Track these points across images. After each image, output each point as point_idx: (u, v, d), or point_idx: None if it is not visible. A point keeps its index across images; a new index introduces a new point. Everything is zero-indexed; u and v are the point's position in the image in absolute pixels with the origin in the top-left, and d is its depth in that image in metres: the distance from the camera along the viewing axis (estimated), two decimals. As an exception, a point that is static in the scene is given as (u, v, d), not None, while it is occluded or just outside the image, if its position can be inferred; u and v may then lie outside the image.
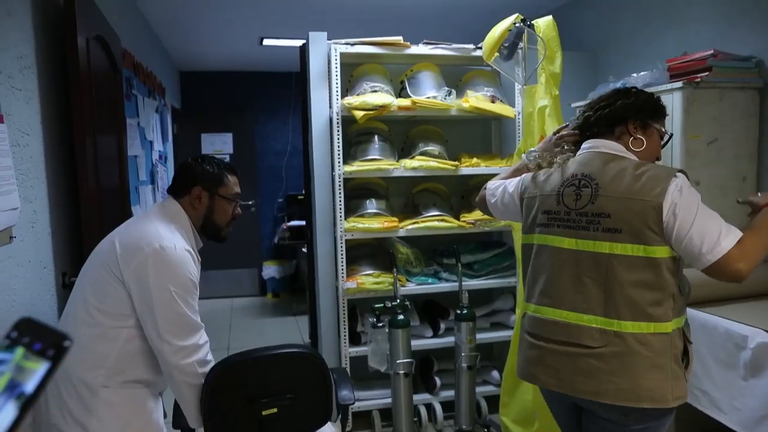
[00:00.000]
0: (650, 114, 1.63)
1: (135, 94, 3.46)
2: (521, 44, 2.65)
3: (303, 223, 5.04)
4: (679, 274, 1.51)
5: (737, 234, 1.40)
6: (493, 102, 3.12)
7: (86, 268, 1.63)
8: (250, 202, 6.44)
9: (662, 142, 1.68)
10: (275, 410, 1.69)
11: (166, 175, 4.75)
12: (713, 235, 1.39)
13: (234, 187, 1.78)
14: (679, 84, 2.47)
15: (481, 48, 2.81)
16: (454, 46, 3.12)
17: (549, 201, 1.62)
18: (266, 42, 5.00)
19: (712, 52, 2.52)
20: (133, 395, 1.59)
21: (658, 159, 1.69)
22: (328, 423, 1.88)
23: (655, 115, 1.65)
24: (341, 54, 2.98)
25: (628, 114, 1.61)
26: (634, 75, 2.78)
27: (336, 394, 1.96)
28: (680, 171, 1.48)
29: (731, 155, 2.58)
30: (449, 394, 3.19)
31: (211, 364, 1.61)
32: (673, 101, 2.49)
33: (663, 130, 1.67)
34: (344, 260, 3.02)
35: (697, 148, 2.51)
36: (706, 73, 2.48)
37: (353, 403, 1.98)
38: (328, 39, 3.05)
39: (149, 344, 1.56)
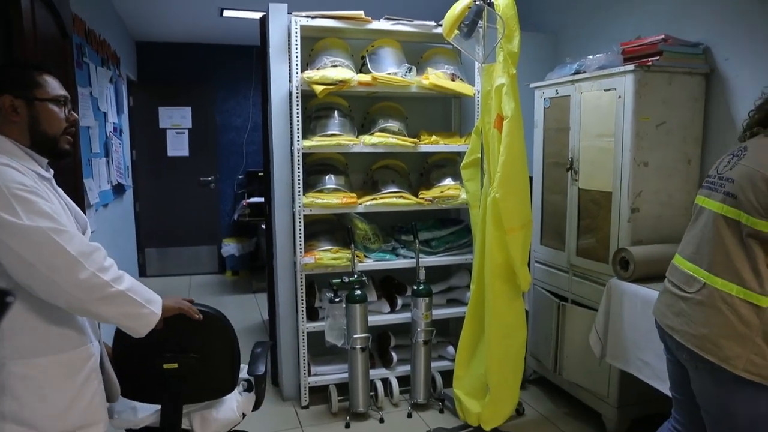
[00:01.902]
0: None
1: (87, 62, 3.34)
2: (481, 22, 2.66)
3: (263, 199, 5.00)
4: None
5: None
6: (453, 80, 3.14)
7: None
8: (210, 178, 6.35)
9: None
10: (176, 365, 1.71)
11: (121, 148, 4.62)
12: None
13: (56, 88, 1.51)
14: (631, 67, 2.53)
15: (441, 25, 2.82)
16: (416, 22, 3.11)
17: (713, 167, 1.74)
18: (226, 13, 4.88)
19: (663, 37, 2.59)
20: (48, 364, 1.44)
21: None
22: (235, 393, 1.93)
23: None
24: (302, 27, 2.94)
25: None
26: (590, 57, 2.84)
27: (252, 365, 1.98)
28: None
29: (678, 138, 2.67)
30: (405, 368, 3.24)
31: (115, 268, 1.46)
32: (625, 83, 2.56)
33: None
34: (302, 236, 3.02)
35: (647, 130, 2.59)
36: (657, 58, 2.55)
37: (263, 375, 1.98)
38: (289, 11, 3.00)
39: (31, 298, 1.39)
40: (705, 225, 1.65)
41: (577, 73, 2.86)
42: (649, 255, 2.48)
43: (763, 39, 2.46)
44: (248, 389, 1.99)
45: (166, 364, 1.71)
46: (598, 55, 2.81)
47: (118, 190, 4.54)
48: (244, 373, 1.98)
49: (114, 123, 4.31)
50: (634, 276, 2.46)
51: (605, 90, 2.68)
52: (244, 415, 1.95)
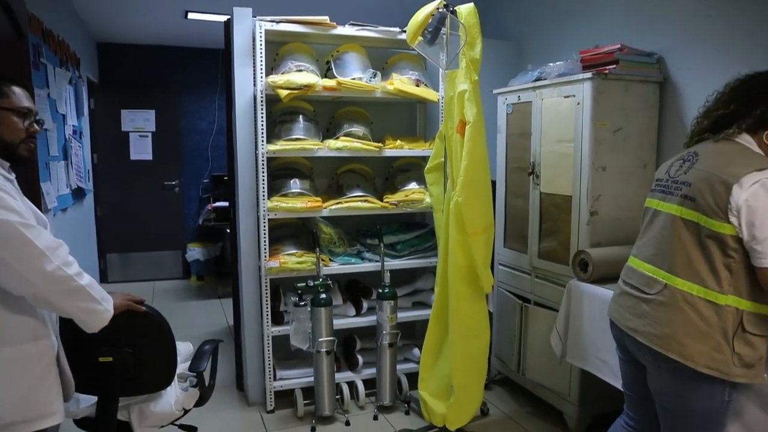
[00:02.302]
0: None
1: (44, 63, 3.26)
2: (444, 29, 2.71)
3: (228, 204, 4.95)
4: (747, 256, 1.55)
5: None
6: (417, 85, 3.18)
7: None
8: (174, 182, 6.25)
9: None
10: (111, 359, 1.81)
11: (81, 151, 4.52)
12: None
13: (21, 100, 1.59)
14: (589, 75, 2.61)
15: (405, 31, 2.85)
16: (380, 28, 3.14)
17: (662, 171, 1.81)
18: (191, 16, 4.83)
19: (619, 46, 2.68)
20: (9, 355, 1.50)
21: None
22: (176, 388, 2.02)
23: None
24: (266, 31, 2.94)
25: None
26: (551, 64, 2.92)
27: (195, 362, 2.06)
28: None
29: (634, 143, 2.76)
30: (371, 371, 3.25)
31: (77, 265, 1.55)
32: (584, 91, 2.64)
33: None
34: (267, 240, 3.00)
35: (605, 136, 2.67)
36: (614, 66, 2.64)
37: (203, 372, 2.04)
38: (254, 15, 2.99)
39: None
40: (663, 228, 1.70)
41: (538, 80, 2.94)
42: (608, 256, 2.55)
43: (711, 50, 2.58)
44: (194, 385, 2.04)
45: (102, 357, 1.80)
46: (558, 63, 2.88)
47: (78, 194, 4.44)
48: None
49: (74, 126, 4.22)
50: (593, 277, 2.53)
51: (565, 97, 2.75)
52: (185, 410, 2.02)
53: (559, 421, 2.90)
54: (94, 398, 1.91)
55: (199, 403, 2.07)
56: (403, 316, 3.27)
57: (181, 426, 2.11)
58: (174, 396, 2.00)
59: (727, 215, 1.52)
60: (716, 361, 1.56)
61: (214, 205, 6.11)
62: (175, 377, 1.97)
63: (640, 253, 1.79)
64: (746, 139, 1.63)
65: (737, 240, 1.53)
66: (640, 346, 1.70)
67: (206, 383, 2.05)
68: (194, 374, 2.03)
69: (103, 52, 6.00)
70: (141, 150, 6.10)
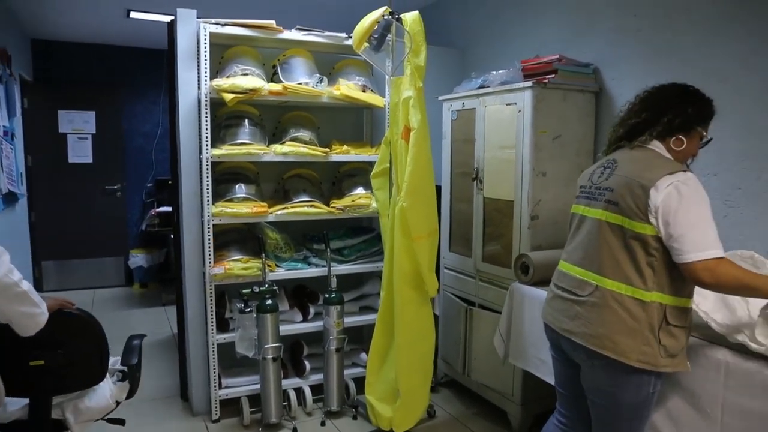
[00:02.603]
0: (703, 119, 1.78)
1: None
2: (389, 36, 2.74)
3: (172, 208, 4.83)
4: (666, 254, 1.64)
5: (714, 253, 1.57)
6: (364, 91, 3.20)
7: None
8: (116, 186, 6.04)
9: (700, 144, 1.82)
10: (42, 362, 1.81)
11: (13, 153, 4.32)
12: (690, 240, 1.58)
13: None
14: (530, 83, 2.69)
15: (352, 37, 2.87)
16: (327, 33, 3.15)
17: (585, 178, 1.91)
18: (133, 15, 4.70)
19: (558, 56, 2.79)
20: None
21: (695, 156, 1.84)
22: (109, 382, 2.07)
23: (706, 119, 1.79)
24: (211, 34, 2.90)
25: (696, 123, 1.76)
26: (494, 72, 3.00)
27: (126, 356, 2.14)
28: (687, 171, 1.65)
29: (572, 150, 2.87)
30: (319, 377, 3.24)
31: (17, 270, 1.62)
32: (524, 99, 2.72)
33: (705, 133, 1.80)
34: (212, 246, 2.95)
35: (545, 143, 2.76)
36: (553, 75, 2.74)
37: (135, 365, 2.13)
38: (198, 17, 2.94)
39: None
40: (590, 232, 1.79)
41: (481, 87, 3.01)
42: (548, 259, 2.63)
43: (641, 62, 2.72)
44: (122, 379, 2.10)
45: (33, 361, 1.80)
46: (500, 71, 2.96)
47: (10, 198, 4.23)
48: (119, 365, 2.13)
49: (4, 126, 4.02)
50: (534, 280, 2.60)
51: (507, 104, 2.83)
52: (118, 403, 2.09)
53: (503, 421, 2.97)
54: (22, 401, 1.89)
55: (129, 395, 2.14)
56: (351, 320, 3.28)
57: (110, 420, 2.14)
58: (108, 390, 2.05)
59: (647, 216, 1.63)
60: (646, 355, 1.65)
61: (158, 210, 5.94)
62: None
63: (570, 258, 1.87)
64: (657, 146, 1.77)
65: (657, 240, 1.63)
66: (576, 346, 1.77)
67: (136, 376, 2.13)
68: (124, 368, 2.10)
69: (38, 49, 5.75)
70: (80, 152, 5.86)
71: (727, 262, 1.59)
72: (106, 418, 2.12)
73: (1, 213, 3.89)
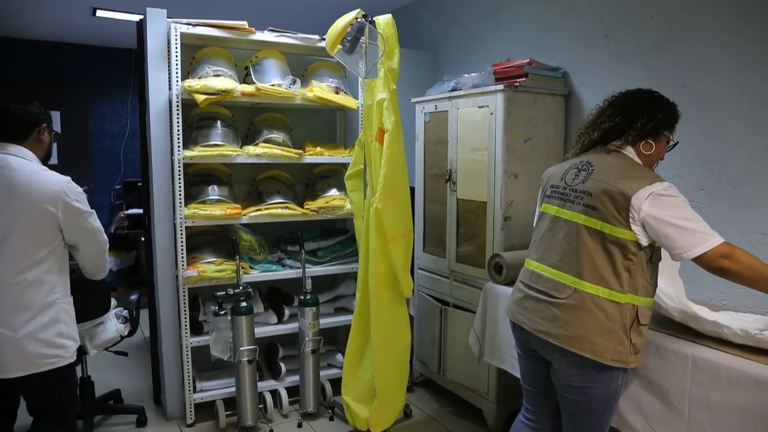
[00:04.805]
0: (670, 123, 1.85)
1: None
2: (363, 39, 2.75)
3: (142, 211, 4.75)
4: (642, 258, 1.72)
5: (706, 246, 1.63)
6: (337, 93, 3.20)
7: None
8: (83, 188, 5.89)
9: (667, 147, 1.89)
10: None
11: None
12: (693, 235, 1.65)
13: None
14: (501, 87, 2.74)
15: (325, 39, 2.87)
16: (300, 35, 3.14)
17: (556, 178, 1.93)
18: (100, 13, 4.59)
19: (528, 60, 2.84)
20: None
21: (662, 159, 1.91)
22: (116, 322, 2.81)
23: (672, 123, 1.86)
24: (182, 34, 2.87)
25: (664, 127, 1.83)
26: (466, 75, 3.04)
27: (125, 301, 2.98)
28: (663, 181, 1.71)
29: (543, 152, 2.93)
30: (295, 379, 3.24)
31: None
32: (496, 101, 2.77)
33: (672, 137, 1.87)
34: (184, 248, 2.92)
35: (516, 145, 2.81)
36: (524, 79, 2.79)
37: (134, 310, 2.95)
38: (169, 17, 2.91)
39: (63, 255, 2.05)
40: (568, 234, 1.81)
41: (453, 90, 3.05)
42: (521, 260, 2.61)
43: (608, 67, 2.79)
44: (125, 322, 2.86)
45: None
46: (473, 74, 3.00)
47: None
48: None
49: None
50: (508, 279, 2.64)
51: (479, 107, 2.87)
52: (122, 337, 2.83)
53: (478, 419, 3.01)
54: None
55: (130, 334, 2.90)
56: (326, 322, 3.29)
57: (116, 352, 3.03)
58: (115, 327, 2.79)
59: (629, 223, 1.68)
60: (620, 353, 1.72)
61: (127, 212, 5.82)
62: (113, 315, 2.83)
63: (545, 259, 1.88)
64: (630, 151, 1.83)
65: (636, 245, 1.70)
66: (550, 347, 1.81)
67: (134, 317, 2.94)
68: (126, 313, 2.90)
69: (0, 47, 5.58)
70: (45, 154, 5.71)
71: (740, 248, 1.66)
72: (113, 349, 2.89)
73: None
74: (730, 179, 2.34)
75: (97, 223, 2.12)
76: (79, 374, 2.67)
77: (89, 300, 2.41)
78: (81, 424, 2.84)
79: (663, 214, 1.65)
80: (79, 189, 2.06)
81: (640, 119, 1.79)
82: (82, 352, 2.60)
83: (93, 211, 2.09)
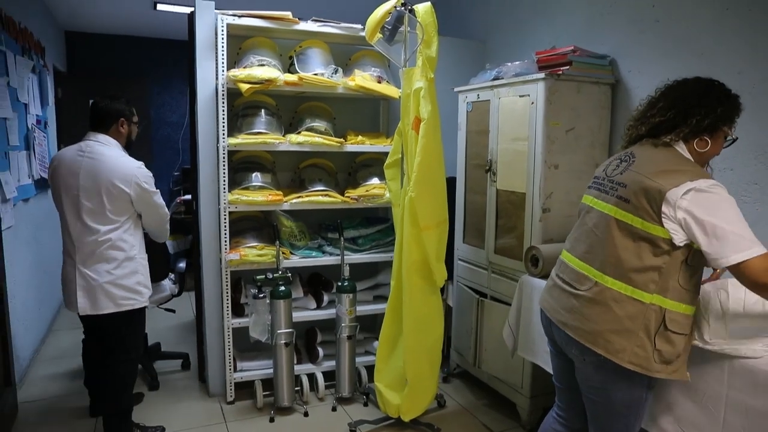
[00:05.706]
0: (730, 118, 1.68)
1: (3, 50, 3.23)
2: (402, 27, 2.74)
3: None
4: (677, 259, 1.59)
5: (743, 255, 1.47)
6: (379, 82, 3.21)
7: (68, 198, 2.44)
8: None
9: (725, 144, 1.73)
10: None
11: (46, 141, 4.47)
12: (730, 242, 1.49)
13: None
14: (542, 75, 2.67)
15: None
16: (343, 25, 3.17)
17: (600, 169, 1.86)
18: (160, 7, 4.81)
19: (572, 48, 2.75)
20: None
21: (717, 155, 1.74)
22: (169, 283, 3.43)
23: (733, 117, 1.68)
24: (228, 25, 2.95)
25: (723, 122, 1.66)
26: (509, 64, 2.98)
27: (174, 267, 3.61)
28: (708, 176, 1.58)
29: (586, 143, 2.84)
30: (332, 364, 3.30)
31: None
32: (537, 90, 2.70)
33: (730, 133, 1.71)
34: (227, 232, 3.03)
35: (557, 135, 2.74)
36: (567, 67, 2.70)
37: (182, 274, 3.61)
38: (217, 8, 3.00)
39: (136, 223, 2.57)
40: (596, 226, 1.73)
41: (495, 79, 3.00)
42: (558, 252, 2.58)
43: (659, 54, 2.66)
44: (174, 282, 3.51)
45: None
46: (515, 63, 2.94)
47: (42, 184, 4.39)
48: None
49: (37, 115, 4.17)
50: (544, 272, 2.59)
51: (520, 96, 2.81)
52: (172, 295, 3.46)
53: (512, 413, 2.98)
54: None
55: (178, 293, 3.54)
56: (364, 309, 3.32)
57: (166, 309, 3.61)
58: (168, 287, 3.39)
59: (661, 219, 1.56)
60: (638, 357, 1.62)
61: (183, 198, 6.06)
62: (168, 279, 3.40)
63: (573, 249, 1.83)
64: (681, 147, 1.68)
65: (669, 243, 1.57)
66: (569, 340, 1.76)
67: (183, 281, 3.59)
68: (175, 276, 3.54)
69: (71, 41, 5.93)
70: (110, 141, 6.02)
71: None
72: (164, 306, 3.49)
73: (35, 198, 4.05)
74: (786, 173, 2.19)
75: (160, 200, 2.61)
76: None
77: (153, 265, 2.73)
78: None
79: (701, 212, 1.51)
80: (148, 173, 2.53)
81: (696, 115, 1.63)
82: None
83: (157, 190, 2.58)
